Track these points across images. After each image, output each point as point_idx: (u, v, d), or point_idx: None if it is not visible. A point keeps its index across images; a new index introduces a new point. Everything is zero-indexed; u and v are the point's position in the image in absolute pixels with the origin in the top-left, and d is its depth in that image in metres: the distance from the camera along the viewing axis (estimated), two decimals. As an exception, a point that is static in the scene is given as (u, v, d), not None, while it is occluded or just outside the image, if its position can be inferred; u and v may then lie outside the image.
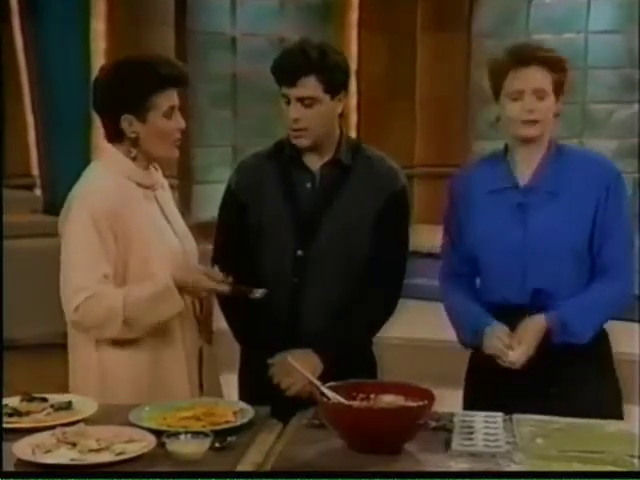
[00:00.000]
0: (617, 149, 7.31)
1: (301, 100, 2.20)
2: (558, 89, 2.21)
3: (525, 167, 2.26)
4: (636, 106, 7.42)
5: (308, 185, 2.30)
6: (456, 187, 2.35)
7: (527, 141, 2.23)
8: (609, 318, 2.25)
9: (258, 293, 2.08)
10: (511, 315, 2.20)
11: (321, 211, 2.28)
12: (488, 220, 2.25)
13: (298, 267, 2.29)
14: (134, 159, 2.12)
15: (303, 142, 2.25)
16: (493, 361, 2.19)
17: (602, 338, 2.27)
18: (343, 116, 2.33)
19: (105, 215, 2.03)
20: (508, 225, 2.23)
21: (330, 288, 2.28)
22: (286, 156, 2.31)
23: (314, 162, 2.30)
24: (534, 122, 2.19)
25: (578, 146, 2.37)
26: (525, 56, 2.22)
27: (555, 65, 2.22)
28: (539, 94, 2.18)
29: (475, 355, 2.31)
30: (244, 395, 2.36)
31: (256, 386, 2.30)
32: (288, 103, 2.23)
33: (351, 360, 2.22)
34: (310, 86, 2.19)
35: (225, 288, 2.06)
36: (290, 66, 2.21)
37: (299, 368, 2.02)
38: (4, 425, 1.81)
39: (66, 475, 1.60)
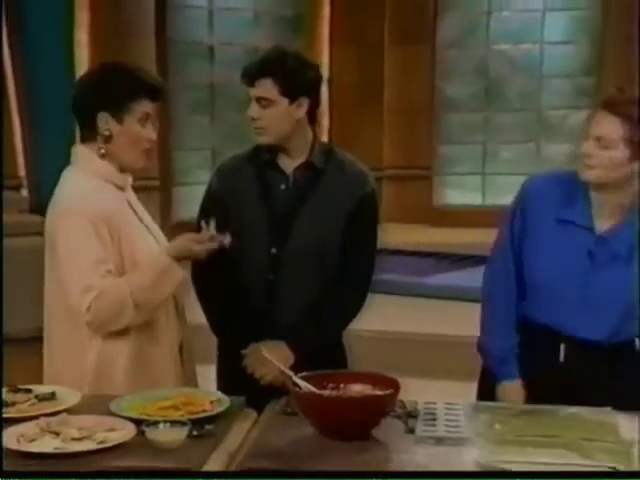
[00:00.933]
0: (571, 153, 7.38)
1: (259, 100, 2.22)
2: (633, 150, 2.02)
3: (605, 212, 2.10)
4: (588, 112, 7.48)
5: (282, 186, 2.29)
6: (531, 191, 2.17)
7: (595, 186, 2.09)
8: None
9: (226, 240, 2.06)
10: (546, 337, 2.14)
11: (294, 211, 2.28)
12: (555, 253, 2.11)
13: (273, 264, 2.28)
14: (103, 156, 2.09)
15: (263, 139, 2.26)
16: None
17: None
18: (317, 122, 2.32)
19: (102, 218, 2.01)
20: (573, 269, 2.09)
21: (303, 284, 2.28)
22: (262, 159, 2.31)
23: (288, 165, 2.30)
24: (590, 167, 2.05)
25: None
26: (604, 100, 2.06)
27: (633, 121, 2.01)
28: (602, 142, 2.03)
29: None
30: (221, 386, 2.35)
31: (233, 377, 2.28)
32: (251, 102, 2.25)
33: (325, 352, 2.22)
34: (267, 87, 2.20)
35: (213, 246, 2.06)
36: (250, 68, 2.24)
37: (272, 359, 2.01)
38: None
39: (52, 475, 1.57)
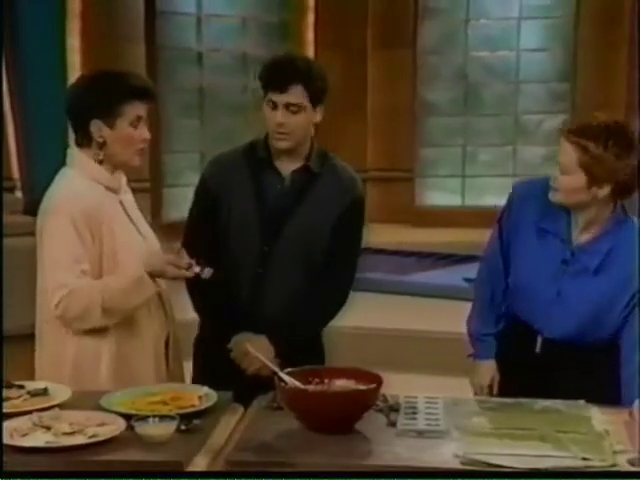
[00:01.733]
0: (546, 155, 7.41)
1: (287, 106, 2.20)
2: (591, 177, 2.01)
3: (580, 226, 2.11)
4: (562, 116, 7.53)
5: (278, 187, 2.29)
6: (517, 196, 2.20)
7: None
8: None
9: (204, 272, 2.04)
10: (524, 329, 2.18)
11: (289, 212, 2.27)
12: (533, 258, 2.14)
13: (263, 260, 2.28)
14: (101, 162, 2.09)
15: (284, 145, 2.24)
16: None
17: None
18: (316, 126, 2.32)
19: (83, 217, 2.01)
20: (548, 275, 2.12)
21: (290, 280, 2.28)
22: (258, 157, 2.29)
23: (285, 167, 2.29)
24: (555, 189, 2.07)
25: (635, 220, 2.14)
26: (565, 128, 2.06)
27: (586, 150, 1.99)
28: (561, 167, 2.04)
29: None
30: (201, 379, 2.32)
31: (218, 372, 2.25)
32: (273, 108, 2.21)
33: (304, 346, 2.22)
34: (298, 94, 2.19)
35: (189, 274, 2.04)
36: (281, 74, 2.20)
37: (256, 354, 2.01)
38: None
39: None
